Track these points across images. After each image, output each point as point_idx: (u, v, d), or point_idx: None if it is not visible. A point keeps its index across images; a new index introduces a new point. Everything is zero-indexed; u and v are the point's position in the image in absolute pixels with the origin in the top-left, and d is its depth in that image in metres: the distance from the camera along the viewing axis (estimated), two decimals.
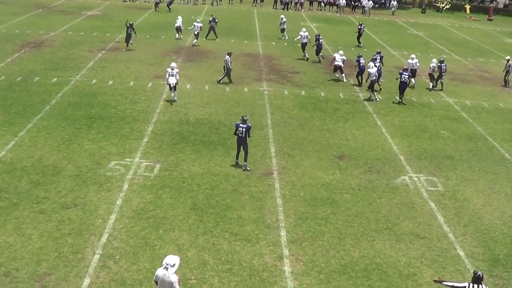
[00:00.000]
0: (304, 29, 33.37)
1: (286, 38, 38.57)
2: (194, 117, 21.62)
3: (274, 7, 55.49)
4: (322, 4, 57.84)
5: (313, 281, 12.04)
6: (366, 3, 56.30)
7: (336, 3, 57.01)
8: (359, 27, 38.86)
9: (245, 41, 37.53)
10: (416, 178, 17.62)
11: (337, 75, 28.47)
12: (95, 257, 12.28)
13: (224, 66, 26.48)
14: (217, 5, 54.45)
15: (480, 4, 67.18)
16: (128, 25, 31.59)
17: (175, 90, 23.17)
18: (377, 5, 61.87)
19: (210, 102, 23.58)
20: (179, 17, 36.95)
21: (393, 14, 56.93)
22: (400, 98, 25.42)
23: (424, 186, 17.11)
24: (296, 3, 56.43)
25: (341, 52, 28.70)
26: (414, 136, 21.36)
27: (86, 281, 11.47)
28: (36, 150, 17.68)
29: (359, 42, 38.70)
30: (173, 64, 23.41)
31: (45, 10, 45.45)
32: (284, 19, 39.38)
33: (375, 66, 26.33)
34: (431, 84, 28.25)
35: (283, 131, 20.82)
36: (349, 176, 17.42)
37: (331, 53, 35.28)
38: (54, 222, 13.61)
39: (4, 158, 16.97)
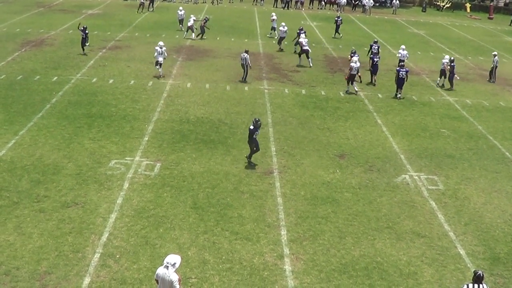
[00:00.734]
0: (283, 23, 34.95)
1: (276, 37, 37.99)
2: (195, 116, 21.61)
3: (275, 6, 55.47)
4: (323, 2, 57.79)
5: (313, 280, 12.03)
6: (366, 2, 56.28)
7: (337, 2, 56.96)
8: (336, 18, 41.34)
9: (246, 40, 37.51)
10: (416, 177, 17.61)
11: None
12: (95, 256, 12.28)
13: (242, 64, 26.70)
14: (217, 3, 54.43)
15: (481, 3, 67.10)
16: (82, 28, 29.63)
17: (160, 66, 26.26)
18: (377, 4, 61.83)
19: (211, 101, 23.58)
20: (192, 16, 37.04)
21: (394, 14, 56.87)
22: (399, 93, 25.82)
23: (425, 185, 17.10)
24: (296, 2, 56.42)
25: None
26: (415, 135, 21.35)
27: (87, 280, 11.46)
28: (37, 149, 17.68)
29: (338, 33, 40.87)
30: (161, 43, 26.39)
31: (45, 9, 45.45)
32: (274, 17, 39.76)
33: (375, 58, 27.88)
34: (438, 79, 28.61)
35: (284, 130, 20.81)
36: (349, 175, 17.41)
37: (331, 52, 35.34)
38: (55, 221, 13.60)
39: (5, 157, 16.97)
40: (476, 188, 17.20)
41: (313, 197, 15.79)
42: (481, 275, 10.23)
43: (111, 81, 25.59)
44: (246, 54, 26.56)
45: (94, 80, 25.58)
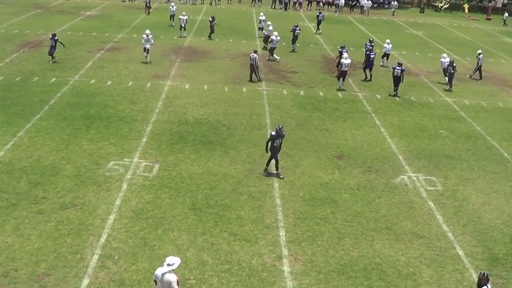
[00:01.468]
0: (269, 23, 35.70)
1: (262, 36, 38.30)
2: (193, 117, 21.61)
3: (273, 7, 55.48)
4: (321, 4, 57.81)
5: (312, 281, 12.03)
6: (365, 3, 56.29)
7: (335, 3, 57.00)
8: (318, 14, 43.25)
9: (244, 41, 37.52)
10: (415, 178, 17.62)
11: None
12: (94, 258, 12.27)
13: (251, 64, 26.96)
14: (215, 5, 54.43)
15: (479, 4, 67.21)
16: (51, 35, 28.56)
17: (148, 53, 29.09)
18: (375, 5, 61.86)
19: (209, 102, 23.57)
20: (184, 14, 37.75)
21: (393, 15, 56.85)
22: (395, 91, 26.50)
23: (423, 186, 17.11)
24: (295, 3, 56.41)
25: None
26: (413, 136, 21.37)
27: (85, 281, 11.45)
28: (35, 150, 17.66)
29: (318, 29, 42.50)
30: (148, 31, 29.47)
31: (43, 10, 45.41)
32: (264, 17, 40.31)
33: (371, 55, 28.79)
34: (446, 78, 28.95)
35: None
36: (348, 176, 17.42)
37: (329, 53, 35.34)
38: (53, 222, 13.59)
39: (3, 159, 16.95)
40: (475, 188, 17.21)
41: (312, 198, 15.79)
42: (485, 274, 10.24)
43: (109, 82, 25.57)
44: (255, 54, 27.05)
45: (92, 81, 25.57)
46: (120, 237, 13.13)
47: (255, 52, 27.39)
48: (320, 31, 42.50)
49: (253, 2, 56.73)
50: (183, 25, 37.21)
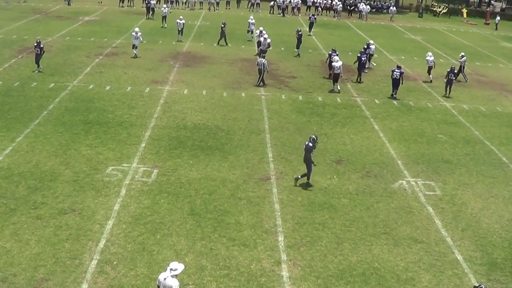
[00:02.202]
0: (261, 28, 35.79)
1: (251, 39, 39.56)
2: (192, 122, 21.62)
3: (271, 12, 55.60)
4: (319, 9, 57.94)
5: (311, 286, 12.02)
6: (363, 8, 56.44)
7: (333, 8, 57.15)
8: (310, 16, 45.16)
9: (242, 46, 37.59)
10: (413, 183, 17.63)
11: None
12: (92, 263, 12.25)
13: (259, 69, 27.17)
14: (214, 10, 54.55)
15: (477, 8, 67.40)
16: (36, 43, 28.02)
17: (136, 49, 31.48)
18: (374, 10, 62.00)
19: (208, 107, 23.59)
20: (181, 18, 38.20)
21: (392, 20, 56.90)
22: (394, 93, 26.88)
23: (422, 191, 17.11)
24: (293, 8, 56.58)
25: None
26: (412, 141, 21.38)
27: (84, 286, 11.43)
28: (34, 156, 17.65)
29: (309, 32, 43.55)
30: (137, 29, 31.85)
31: (42, 16, 45.47)
32: (253, 21, 40.87)
33: (363, 57, 29.66)
34: (431, 76, 30.14)
35: (281, 136, 20.83)
36: (346, 181, 17.42)
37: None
38: (52, 227, 13.58)
39: (2, 164, 16.94)
40: (473, 193, 17.22)
41: (310, 203, 15.79)
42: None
43: (108, 87, 25.59)
44: (263, 60, 27.20)
45: (91, 86, 25.58)
46: (118, 242, 13.12)
47: (263, 57, 27.67)
48: (310, 34, 43.30)
49: (251, 8, 56.86)
50: (180, 29, 37.46)
